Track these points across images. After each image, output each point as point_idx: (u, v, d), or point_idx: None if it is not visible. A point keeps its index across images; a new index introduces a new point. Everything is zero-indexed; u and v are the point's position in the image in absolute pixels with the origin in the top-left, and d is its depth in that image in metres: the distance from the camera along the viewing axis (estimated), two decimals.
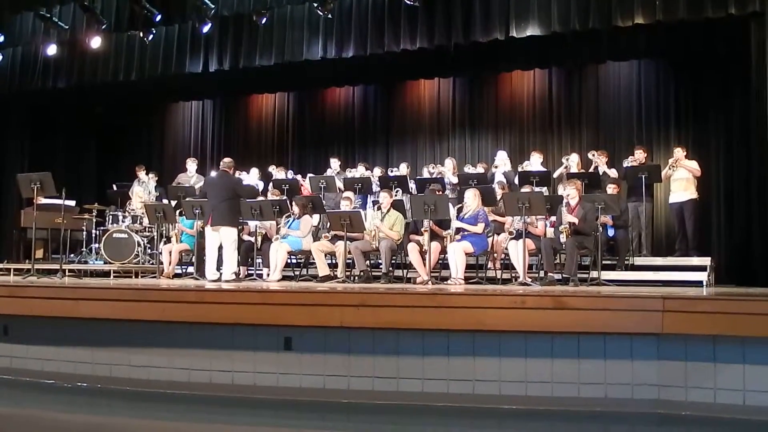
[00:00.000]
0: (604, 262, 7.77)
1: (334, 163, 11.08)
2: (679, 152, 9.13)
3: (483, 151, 12.11)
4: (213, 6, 10.42)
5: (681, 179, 9.04)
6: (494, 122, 12.27)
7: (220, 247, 8.17)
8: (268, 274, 8.58)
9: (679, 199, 9.05)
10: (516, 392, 5.33)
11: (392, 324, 5.50)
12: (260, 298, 6.04)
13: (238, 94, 14.02)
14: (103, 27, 10.89)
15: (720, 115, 10.36)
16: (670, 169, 9.11)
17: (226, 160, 8.57)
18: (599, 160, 9.39)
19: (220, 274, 8.14)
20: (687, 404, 5.07)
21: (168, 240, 9.63)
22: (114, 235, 9.66)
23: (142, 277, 9.33)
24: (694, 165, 9.06)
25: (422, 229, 7.86)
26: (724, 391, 4.99)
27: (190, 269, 9.17)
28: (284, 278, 8.60)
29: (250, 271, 9.04)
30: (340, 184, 10.19)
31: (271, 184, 10.40)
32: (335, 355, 5.67)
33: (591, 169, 9.43)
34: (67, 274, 8.63)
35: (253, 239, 8.97)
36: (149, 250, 9.98)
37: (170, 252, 9.22)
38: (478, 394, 5.37)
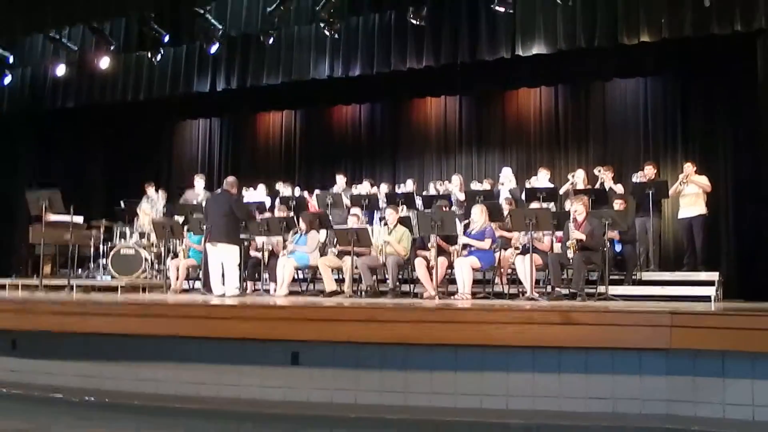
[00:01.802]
0: (611, 277, 7.76)
1: (340, 179, 11.12)
2: (689, 167, 9.10)
3: (490, 168, 12.12)
4: (221, 27, 10.53)
5: (690, 194, 9.01)
6: (501, 139, 12.32)
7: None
8: (275, 290, 8.60)
9: (689, 214, 9.02)
10: (524, 407, 5.30)
11: (400, 339, 5.50)
12: (268, 313, 6.05)
13: (245, 113, 14.08)
14: (112, 48, 11.01)
15: (727, 131, 10.37)
16: (680, 184, 9.08)
17: (230, 178, 8.51)
18: (605, 176, 9.39)
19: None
20: (696, 419, 5.03)
21: (175, 255, 9.67)
22: (121, 250, 9.72)
23: (149, 292, 9.35)
24: (704, 180, 9.03)
25: (429, 245, 7.87)
26: (733, 406, 4.96)
27: (198, 284, 9.19)
28: (291, 293, 8.60)
29: (257, 287, 9.06)
30: (346, 200, 10.22)
31: (278, 200, 10.44)
32: (343, 370, 5.66)
33: (597, 185, 9.45)
34: (74, 289, 8.69)
35: (260, 255, 8.99)
36: (156, 266, 10.02)
37: (177, 267, 9.24)
38: (486, 408, 5.35)
